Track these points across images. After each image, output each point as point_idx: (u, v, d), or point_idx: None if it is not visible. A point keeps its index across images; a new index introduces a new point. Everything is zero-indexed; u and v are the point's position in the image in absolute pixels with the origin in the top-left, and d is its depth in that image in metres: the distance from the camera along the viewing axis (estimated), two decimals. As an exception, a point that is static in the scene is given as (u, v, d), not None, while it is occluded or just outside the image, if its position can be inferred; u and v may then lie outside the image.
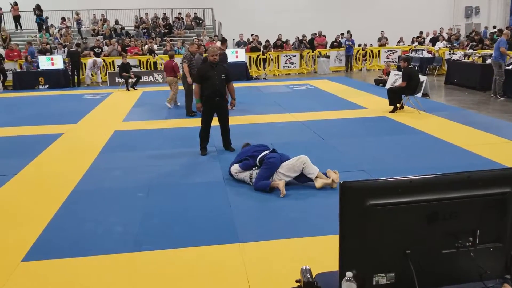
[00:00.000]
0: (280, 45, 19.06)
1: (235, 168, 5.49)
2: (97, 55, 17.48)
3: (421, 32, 20.94)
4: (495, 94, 11.50)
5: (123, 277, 3.47)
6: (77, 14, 20.56)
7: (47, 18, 20.39)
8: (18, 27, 20.68)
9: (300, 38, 19.61)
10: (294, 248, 3.83)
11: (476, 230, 1.62)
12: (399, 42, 20.80)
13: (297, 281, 1.76)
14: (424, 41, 20.38)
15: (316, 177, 5.19)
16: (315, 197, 5.00)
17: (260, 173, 5.26)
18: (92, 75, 16.84)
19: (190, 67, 9.59)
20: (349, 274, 1.54)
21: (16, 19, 20.45)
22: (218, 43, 18.37)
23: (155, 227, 4.34)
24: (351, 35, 19.55)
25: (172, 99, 11.12)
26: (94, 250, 3.87)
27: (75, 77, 16.44)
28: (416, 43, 20.20)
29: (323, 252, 3.59)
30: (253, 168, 5.37)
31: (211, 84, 6.54)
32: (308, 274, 1.71)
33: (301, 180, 5.30)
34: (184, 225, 4.36)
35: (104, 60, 17.37)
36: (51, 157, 6.99)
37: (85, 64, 17.18)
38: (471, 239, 1.62)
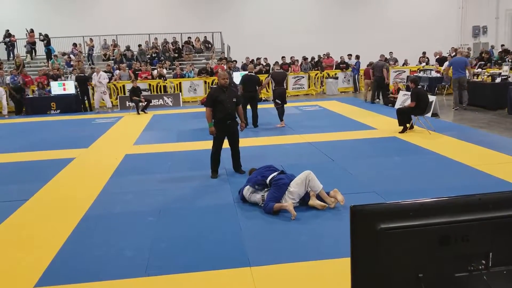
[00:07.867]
0: (287, 66, 19.20)
1: (248, 189, 5.47)
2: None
3: (424, 53, 21.04)
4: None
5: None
6: (91, 40, 20.97)
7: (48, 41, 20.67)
8: (33, 54, 21.10)
9: (309, 59, 19.79)
10: (306, 271, 3.80)
11: (489, 253, 1.60)
12: (404, 64, 20.85)
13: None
14: (428, 61, 20.44)
15: (317, 194, 5.20)
16: (324, 219, 4.97)
17: (269, 195, 5.24)
18: (102, 99, 16.88)
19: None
20: (361, 298, 1.53)
21: (32, 45, 20.89)
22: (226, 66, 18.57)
23: (165, 252, 4.33)
24: (350, 56, 19.80)
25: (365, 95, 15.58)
26: (105, 275, 3.87)
27: (85, 101, 16.64)
28: (423, 63, 20.23)
29: (335, 275, 3.56)
30: (265, 189, 5.36)
31: (223, 108, 6.62)
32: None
33: (306, 200, 5.29)
34: (194, 249, 4.35)
35: (115, 85, 17.63)
36: (63, 181, 7.06)
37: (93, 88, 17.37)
38: (484, 262, 1.60)
